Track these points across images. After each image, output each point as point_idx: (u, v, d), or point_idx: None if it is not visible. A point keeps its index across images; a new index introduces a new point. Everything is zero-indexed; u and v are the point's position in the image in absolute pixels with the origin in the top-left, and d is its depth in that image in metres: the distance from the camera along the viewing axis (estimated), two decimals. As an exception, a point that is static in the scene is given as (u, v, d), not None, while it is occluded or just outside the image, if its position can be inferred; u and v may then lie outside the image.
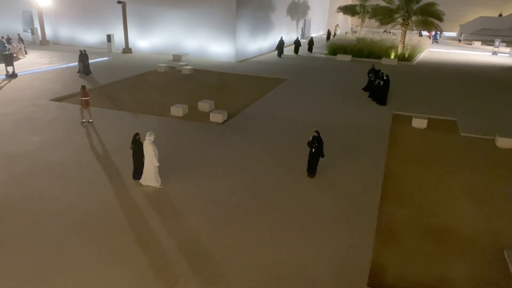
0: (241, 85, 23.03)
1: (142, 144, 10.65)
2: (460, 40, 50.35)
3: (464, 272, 8.05)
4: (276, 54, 34.23)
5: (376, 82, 19.74)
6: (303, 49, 36.49)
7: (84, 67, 23.83)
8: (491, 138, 15.35)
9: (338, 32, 47.97)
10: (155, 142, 10.55)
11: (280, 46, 33.90)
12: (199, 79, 24.27)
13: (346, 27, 60.36)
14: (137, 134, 10.96)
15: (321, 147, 11.40)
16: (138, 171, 10.97)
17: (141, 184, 10.86)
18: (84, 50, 23.97)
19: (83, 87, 15.39)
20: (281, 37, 34.45)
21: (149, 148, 10.34)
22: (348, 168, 12.33)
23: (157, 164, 10.41)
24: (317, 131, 11.46)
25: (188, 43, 31.45)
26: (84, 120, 15.49)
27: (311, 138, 11.39)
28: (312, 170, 11.57)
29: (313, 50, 36.67)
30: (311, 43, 36.75)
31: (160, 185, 10.77)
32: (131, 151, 11.01)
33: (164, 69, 26.28)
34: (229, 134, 15.00)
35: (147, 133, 10.44)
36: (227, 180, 11.33)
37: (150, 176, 10.67)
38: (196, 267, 7.79)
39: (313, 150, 11.32)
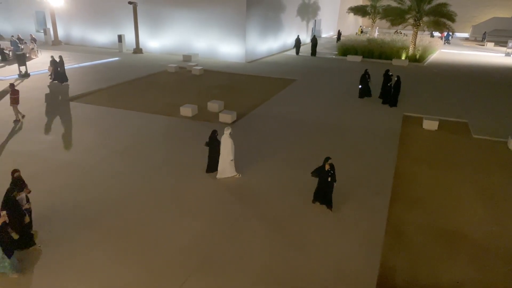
0: (250, 86, 23.04)
1: (218, 141, 11.22)
2: (483, 39, 49.50)
3: (475, 276, 7.94)
4: (295, 52, 35.42)
5: (389, 84, 19.49)
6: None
7: (60, 74, 21.50)
8: (504, 141, 15.13)
9: (374, 31, 48.18)
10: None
11: (297, 44, 34.96)
12: (209, 79, 24.34)
13: (356, 27, 60.03)
14: (215, 131, 11.49)
15: (334, 173, 9.88)
16: (213, 165, 11.46)
17: (149, 183, 10.96)
18: (60, 56, 21.46)
19: (12, 85, 15.37)
20: (298, 36, 35.64)
21: (228, 142, 10.86)
22: (358, 170, 12.25)
23: (232, 157, 10.99)
24: (329, 158, 9.88)
25: (198, 43, 31.58)
26: (17, 119, 15.47)
27: (327, 167, 9.71)
28: (329, 200, 9.98)
29: (323, 51, 36.39)
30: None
31: (237, 175, 11.39)
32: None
33: (174, 69, 26.43)
34: (238, 134, 14.98)
35: (225, 127, 11.02)
36: (234, 181, 11.34)
37: (226, 168, 11.18)
38: (204, 268, 7.81)
39: (329, 179, 9.75)
